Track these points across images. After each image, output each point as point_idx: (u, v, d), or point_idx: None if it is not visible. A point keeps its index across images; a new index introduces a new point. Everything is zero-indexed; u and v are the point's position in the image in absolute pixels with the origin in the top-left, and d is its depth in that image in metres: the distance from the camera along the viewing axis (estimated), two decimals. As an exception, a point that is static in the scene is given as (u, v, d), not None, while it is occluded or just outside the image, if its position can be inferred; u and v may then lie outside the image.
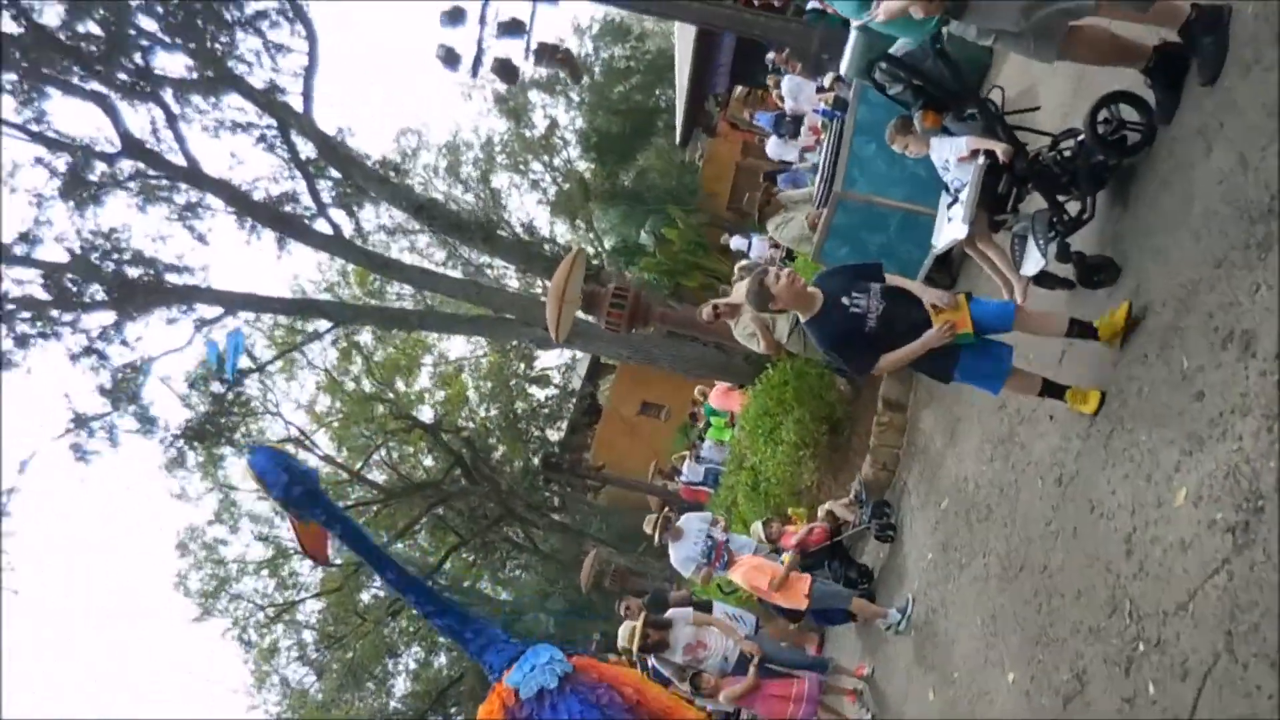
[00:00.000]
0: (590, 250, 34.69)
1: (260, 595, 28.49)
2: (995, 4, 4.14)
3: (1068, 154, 4.92)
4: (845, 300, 4.43)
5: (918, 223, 7.45)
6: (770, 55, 14.87)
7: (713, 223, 25.31)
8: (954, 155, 5.17)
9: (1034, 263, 4.94)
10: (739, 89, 23.12)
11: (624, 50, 35.85)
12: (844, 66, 8.39)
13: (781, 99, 16.76)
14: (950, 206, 5.37)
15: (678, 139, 28.40)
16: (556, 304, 10.43)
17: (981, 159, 5.01)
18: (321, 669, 29.41)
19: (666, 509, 9.94)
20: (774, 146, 16.63)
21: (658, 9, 13.33)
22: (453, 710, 29.62)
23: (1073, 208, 4.89)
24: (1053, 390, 4.67)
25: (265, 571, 28.54)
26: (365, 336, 25.99)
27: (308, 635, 29.61)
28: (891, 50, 5.11)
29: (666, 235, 25.77)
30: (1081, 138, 4.76)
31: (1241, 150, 3.77)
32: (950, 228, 5.36)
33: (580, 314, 10.87)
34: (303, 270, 29.03)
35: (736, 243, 19.20)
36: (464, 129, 35.02)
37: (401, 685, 31.89)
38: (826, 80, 11.91)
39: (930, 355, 4.47)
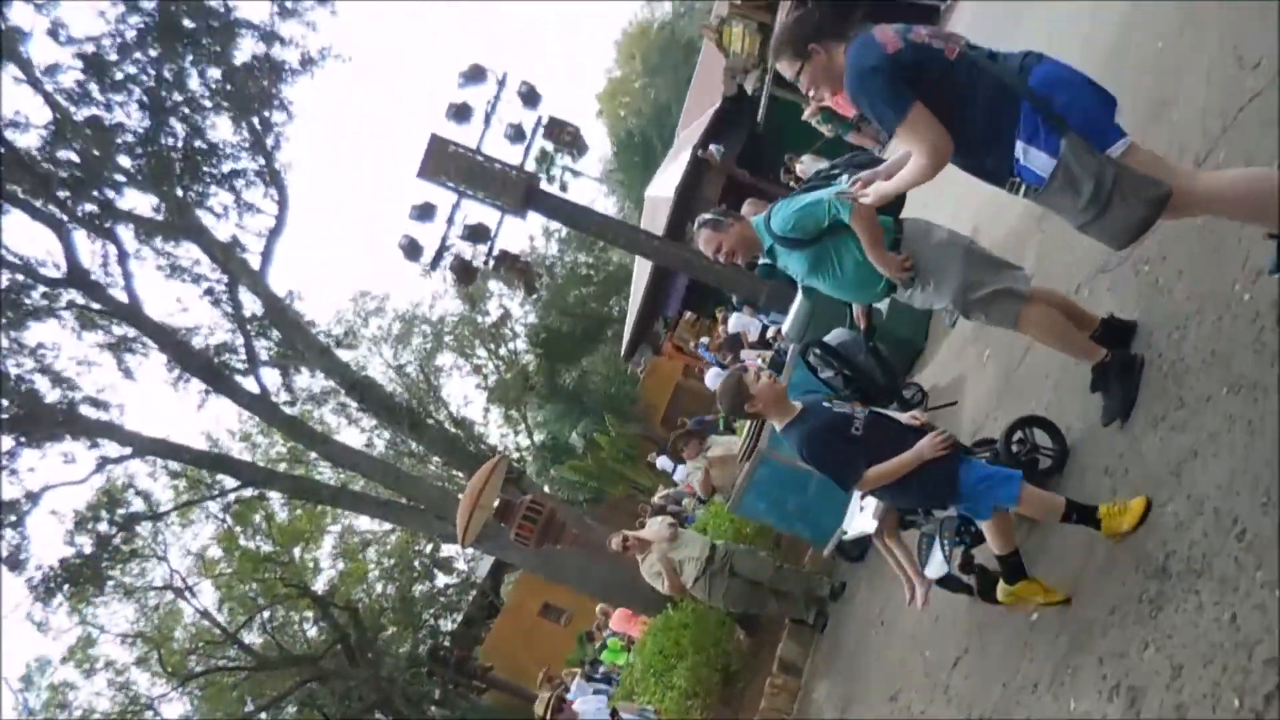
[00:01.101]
0: (521, 442, 34.63)
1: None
2: (941, 281, 4.29)
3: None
4: (828, 404, 4.28)
5: (836, 492, 7.48)
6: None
7: (646, 436, 25.44)
8: (873, 447, 5.23)
9: (937, 567, 4.93)
10: (689, 314, 23.82)
11: (587, 258, 37.03)
12: (786, 326, 8.68)
13: (725, 332, 17.30)
14: (864, 496, 5.41)
15: (624, 350, 28.92)
16: (469, 507, 10.24)
17: (899, 458, 5.08)
18: None
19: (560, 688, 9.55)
20: (712, 378, 16.97)
21: (619, 241, 13.82)
22: None
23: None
24: (1082, 512, 3.99)
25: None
26: (273, 496, 25.18)
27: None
28: (827, 339, 5.27)
29: (598, 440, 25.82)
30: (994, 453, 4.87)
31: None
32: (861, 519, 5.38)
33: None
34: (224, 417, 28.34)
35: (663, 463, 19.22)
36: (419, 305, 35.21)
37: None
38: (770, 332, 12.34)
39: (924, 476, 4.08)
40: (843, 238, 4.41)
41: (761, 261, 4.93)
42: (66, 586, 18.85)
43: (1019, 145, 3.30)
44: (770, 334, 12.23)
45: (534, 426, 36.59)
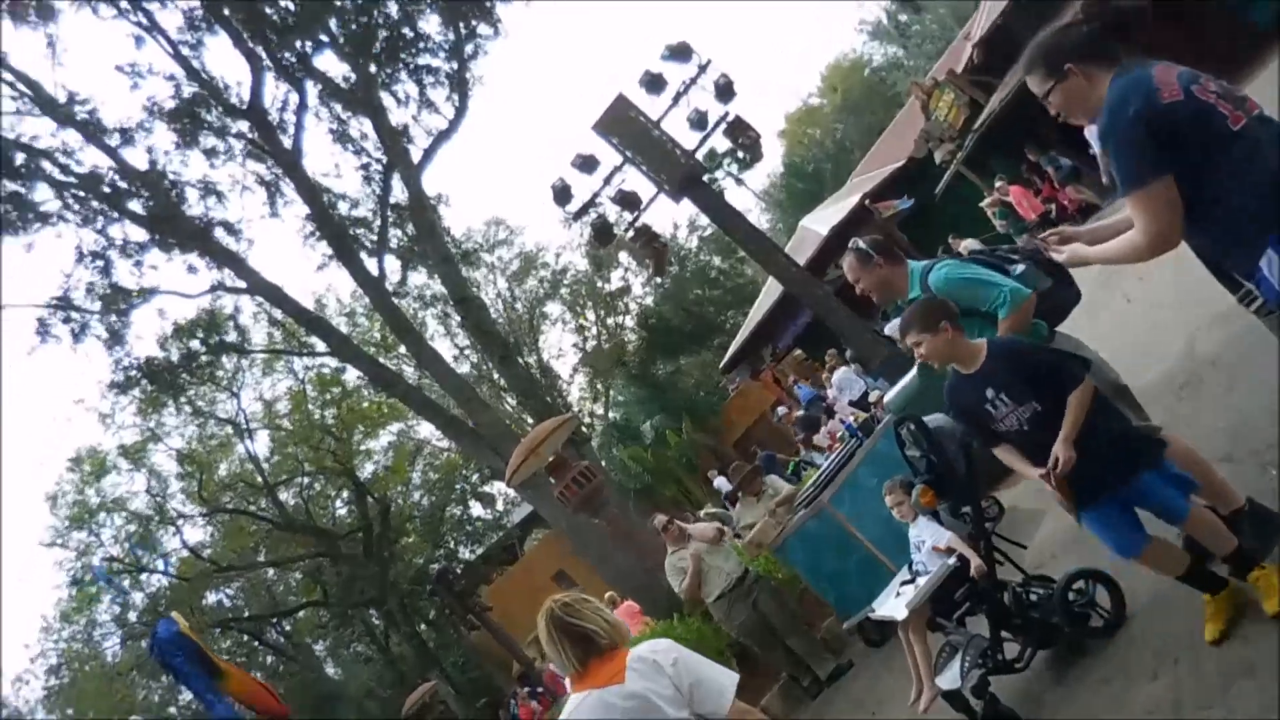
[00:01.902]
0: (595, 411, 34.86)
1: (117, 542, 27.40)
2: None
3: (1032, 598, 4.85)
4: (990, 392, 3.87)
5: (877, 569, 7.34)
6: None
7: (713, 450, 25.34)
8: (931, 541, 5.13)
9: (950, 680, 4.80)
10: (799, 351, 23.62)
11: (722, 263, 36.95)
12: (890, 395, 8.51)
13: (829, 382, 17.11)
14: (904, 584, 5.29)
15: (724, 363, 28.83)
16: (526, 450, 10.36)
17: (953, 560, 4.96)
18: (130, 638, 27.95)
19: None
20: (804, 421, 16.85)
21: (759, 257, 13.73)
22: None
23: (1011, 649, 4.78)
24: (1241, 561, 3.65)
25: (135, 525, 27.54)
26: (352, 374, 25.87)
27: (138, 598, 28.32)
28: (926, 419, 5.14)
29: (668, 437, 25.83)
30: (1050, 592, 4.71)
31: (1179, 696, 3.67)
32: (894, 604, 5.26)
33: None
34: (338, 287, 29.15)
35: (721, 483, 19.18)
36: (548, 248, 35.61)
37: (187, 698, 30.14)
38: (872, 396, 12.15)
39: (1097, 457, 3.67)
40: (989, 328, 4.29)
41: (888, 330, 4.82)
42: (145, 383, 19.70)
43: (1270, 253, 2.78)
44: (872, 398, 12.04)
45: (612, 402, 36.79)
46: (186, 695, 29.49)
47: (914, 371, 8.00)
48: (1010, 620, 4.79)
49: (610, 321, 36.31)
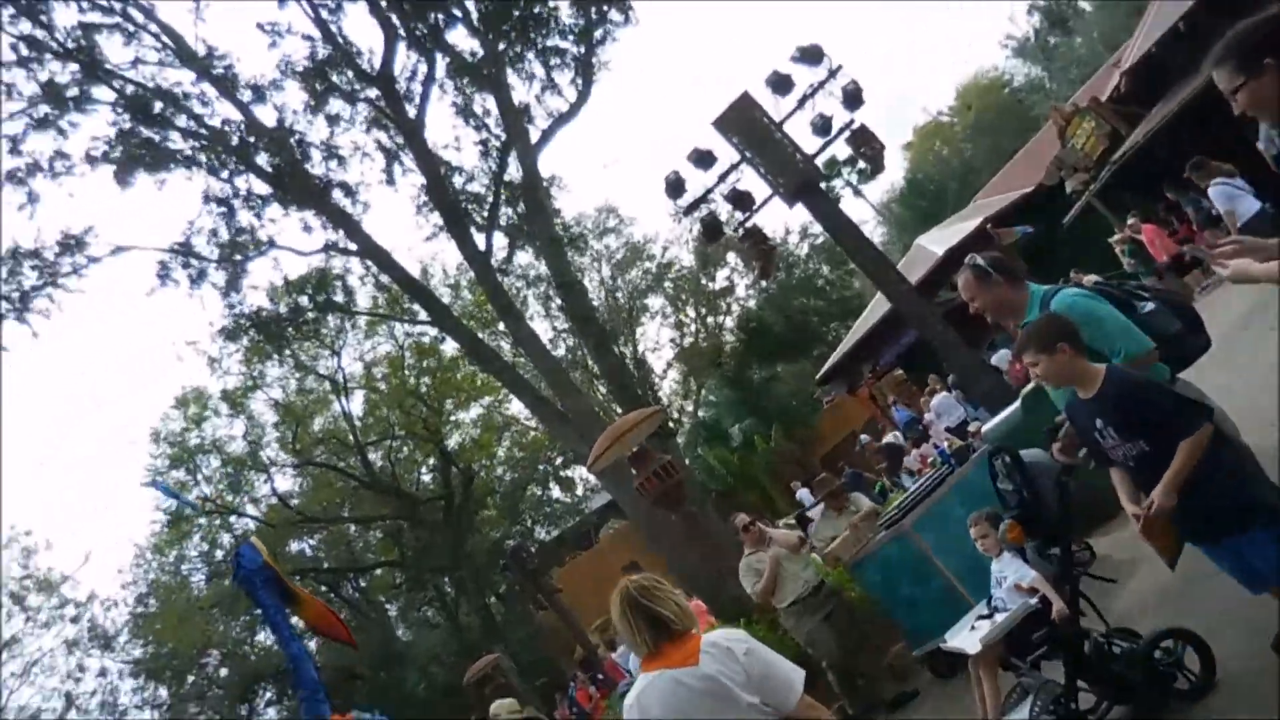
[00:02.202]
0: (684, 408, 34.87)
1: (211, 483, 28.49)
2: None
3: (1115, 650, 4.67)
4: (1099, 422, 3.71)
5: (954, 600, 7.18)
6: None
7: (800, 462, 25.12)
8: (1014, 578, 4.98)
9: (1017, 723, 4.66)
10: (899, 371, 23.22)
11: (830, 273, 36.54)
12: (989, 426, 8.29)
13: (927, 406, 16.79)
14: (980, 619, 5.15)
15: (820, 374, 28.51)
16: (611, 438, 10.41)
17: (1035, 600, 4.81)
18: (215, 575, 29.11)
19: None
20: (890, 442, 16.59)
21: (869, 270, 13.50)
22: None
23: (1086, 701, 4.61)
24: None
25: (230, 467, 28.59)
26: (450, 345, 26.36)
27: (226, 540, 29.42)
28: (1023, 452, 4.99)
29: (755, 442, 25.70)
30: (1134, 647, 4.53)
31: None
32: (967, 637, 5.13)
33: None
34: (444, 258, 29.67)
35: (804, 495, 19.00)
36: (655, 240, 35.64)
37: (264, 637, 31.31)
38: (971, 425, 11.89)
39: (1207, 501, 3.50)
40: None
41: (995, 359, 4.63)
42: (253, 333, 20.43)
43: None
44: (971, 428, 11.78)
45: (703, 401, 36.75)
46: (261, 636, 30.62)
47: (1017, 404, 7.78)
48: (1088, 671, 4.62)
49: (710, 320, 36.25)
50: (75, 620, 28.59)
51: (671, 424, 28.10)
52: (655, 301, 36.03)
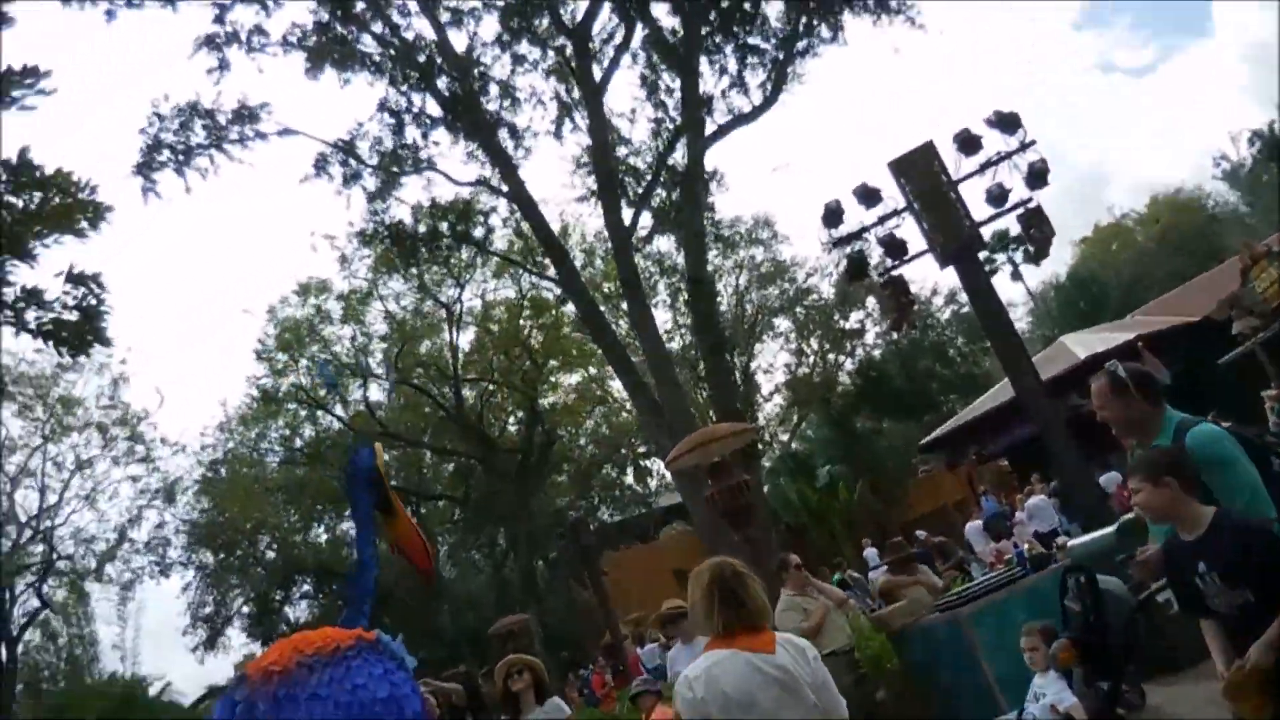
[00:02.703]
0: (777, 435, 34.67)
1: (309, 374, 29.46)
2: None
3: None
4: (1202, 566, 3.57)
5: (989, 702, 7.09)
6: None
7: (879, 520, 24.80)
8: (1053, 699, 4.90)
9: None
10: (1004, 462, 22.70)
11: (964, 345, 35.77)
12: (1075, 543, 8.07)
13: (1021, 505, 16.39)
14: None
15: (924, 442, 28.01)
16: (696, 443, 10.50)
17: (1067, 728, 4.72)
18: (286, 462, 30.25)
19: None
20: (973, 530, 16.31)
21: (1002, 354, 13.18)
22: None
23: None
24: None
25: (331, 367, 29.52)
26: (568, 308, 26.70)
27: (308, 432, 30.51)
28: (1101, 577, 4.90)
29: (840, 487, 25.47)
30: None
31: None
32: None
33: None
34: (586, 222, 29.89)
35: (870, 554, 18.81)
36: (796, 261, 35.16)
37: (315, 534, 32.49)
38: (1060, 538, 11.58)
39: None
40: None
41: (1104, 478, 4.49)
42: (388, 243, 21.12)
43: None
44: (1059, 540, 11.46)
45: (799, 434, 36.45)
46: (315, 532, 31.76)
47: (1113, 529, 7.56)
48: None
49: (830, 357, 35.84)
50: (146, 462, 29.95)
51: (760, 446, 27.97)
52: (782, 324, 35.76)
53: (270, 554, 31.18)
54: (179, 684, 32.12)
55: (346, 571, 29.83)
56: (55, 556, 29.65)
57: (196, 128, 18.60)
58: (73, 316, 7.49)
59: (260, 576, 30.84)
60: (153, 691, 29.20)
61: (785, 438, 36.84)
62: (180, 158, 18.41)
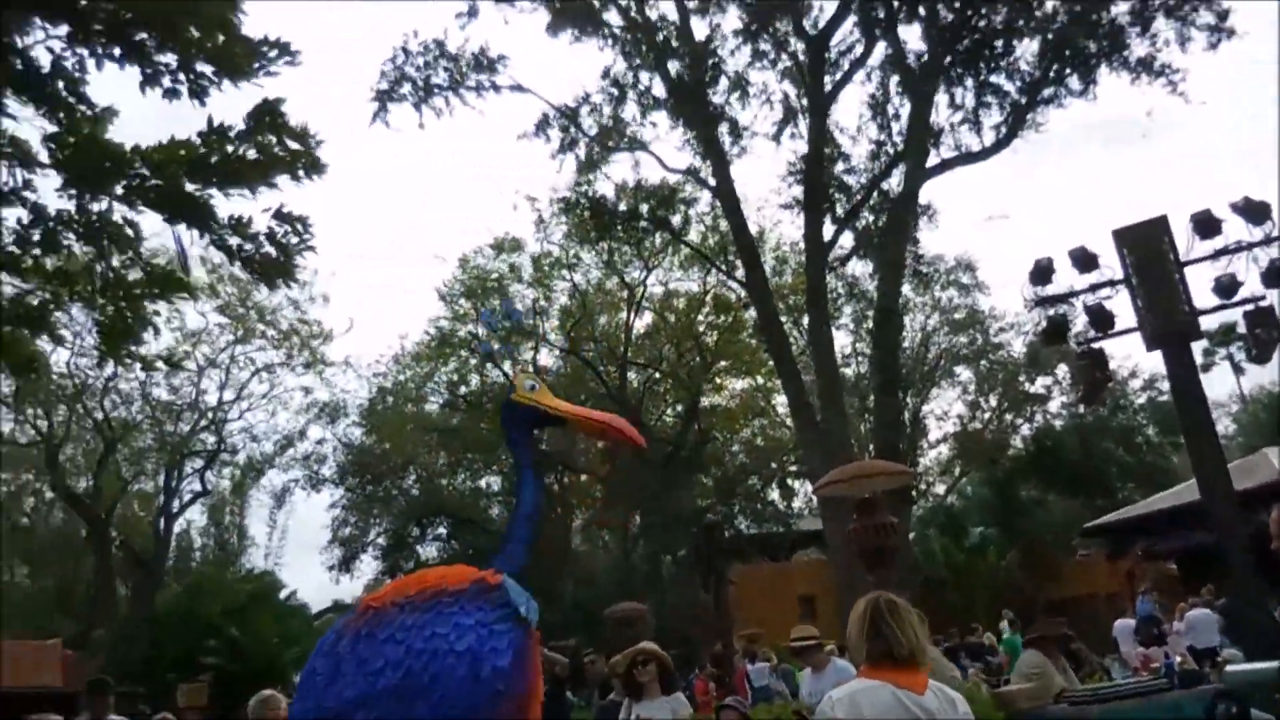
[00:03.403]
0: (934, 488, 33.80)
1: (486, 325, 30.39)
2: None
3: None
4: None
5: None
6: None
7: (1023, 593, 23.91)
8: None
9: None
10: (1172, 565, 21.57)
11: (1154, 435, 33.94)
12: (1237, 669, 7.66)
13: (1180, 614, 15.52)
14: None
15: (1088, 525, 26.78)
16: (850, 475, 10.41)
17: None
18: (448, 406, 31.46)
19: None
20: (1122, 629, 15.66)
21: (1195, 453, 12.46)
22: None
23: None
24: None
25: (508, 322, 30.39)
26: (749, 314, 26.71)
27: (474, 381, 31.61)
28: (1255, 714, 4.65)
29: (989, 552, 24.74)
30: None
31: None
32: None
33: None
34: (784, 231, 29.68)
35: (1006, 627, 18.28)
36: (997, 317, 33.97)
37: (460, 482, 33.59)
38: (1221, 654, 10.96)
39: None
40: None
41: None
42: (586, 215, 21.68)
43: None
44: (1220, 656, 10.83)
45: (958, 489, 35.40)
46: (460, 479, 32.95)
47: (1277, 664, 7.13)
48: None
49: (1007, 417, 34.60)
50: (321, 379, 31.61)
51: (915, 493, 27.35)
52: (964, 373, 34.73)
53: (414, 491, 32.49)
54: (309, 595, 33.99)
55: (480, 521, 30.96)
56: (223, 448, 31.80)
57: (440, 69, 19.55)
58: (273, 251, 8.05)
59: (401, 510, 32.22)
60: (283, 595, 30.94)
61: (942, 490, 35.86)
62: (420, 94, 19.41)
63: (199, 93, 7.63)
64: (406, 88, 19.41)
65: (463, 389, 31.60)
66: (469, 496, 33.31)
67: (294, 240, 8.27)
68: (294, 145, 7.73)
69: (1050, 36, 18.50)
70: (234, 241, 8.02)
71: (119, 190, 7.68)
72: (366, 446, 31.83)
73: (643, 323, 30.57)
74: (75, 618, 31.23)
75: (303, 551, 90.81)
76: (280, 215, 8.16)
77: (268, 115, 7.61)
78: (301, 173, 7.74)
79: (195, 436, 31.23)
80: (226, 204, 8.00)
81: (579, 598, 29.74)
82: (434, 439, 31.54)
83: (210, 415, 31.14)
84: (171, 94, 7.60)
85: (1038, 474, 31.80)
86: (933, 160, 19.06)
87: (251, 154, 7.71)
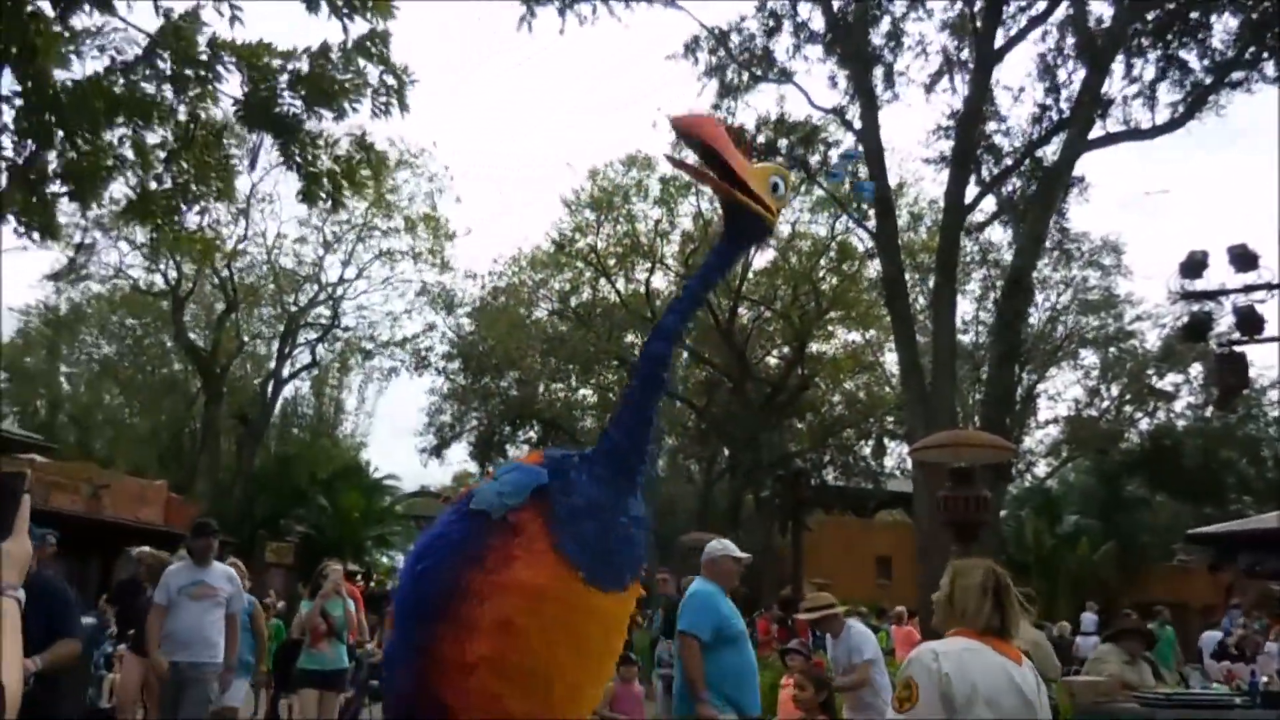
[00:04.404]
0: (1035, 468, 33.16)
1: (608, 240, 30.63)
2: None
3: None
4: None
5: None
6: None
7: (1107, 590, 23.55)
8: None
9: None
10: (1276, 585, 20.96)
11: (1281, 451, 32.61)
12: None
13: (1277, 636, 15.15)
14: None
15: (1192, 531, 26.08)
16: (951, 441, 10.44)
17: None
18: (556, 314, 31.98)
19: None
20: (1208, 640, 15.48)
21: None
22: None
23: None
24: None
25: (627, 241, 30.51)
26: (872, 268, 26.31)
27: (586, 294, 31.99)
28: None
29: (1082, 543, 24.35)
30: None
31: None
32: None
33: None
34: (926, 186, 28.92)
35: (1088, 619, 18.33)
36: (1136, 303, 32.67)
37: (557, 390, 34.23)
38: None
39: None
40: None
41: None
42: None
43: None
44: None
45: (1060, 473, 34.82)
46: (557, 387, 33.53)
47: None
48: None
49: (1127, 409, 33.58)
50: (440, 268, 32.27)
51: (1015, 470, 26.93)
52: (1088, 357, 33.68)
53: (512, 392, 33.21)
54: (397, 471, 35.02)
55: (570, 431, 31.59)
56: (337, 323, 32.96)
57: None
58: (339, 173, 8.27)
59: (497, 407, 33.03)
60: (376, 474, 32.19)
61: (1043, 472, 35.17)
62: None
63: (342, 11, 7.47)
64: (555, -10, 19.33)
65: (573, 300, 31.99)
66: (562, 406, 33.93)
67: (364, 171, 8.50)
68: (389, 80, 7.74)
69: (1255, 15, 17.38)
70: (306, 156, 8.07)
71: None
72: (473, 340, 32.57)
73: (762, 259, 30.36)
74: (178, 464, 33.09)
75: (393, 434, 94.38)
76: (361, 143, 8.36)
77: (374, 41, 7.61)
78: (386, 107, 7.77)
79: (312, 308, 32.40)
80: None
81: (656, 524, 30.25)
82: (538, 344, 32.11)
83: (329, 290, 32.24)
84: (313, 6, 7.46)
85: (1149, 472, 30.96)
86: (1096, 132, 18.23)
87: (345, 77, 7.69)
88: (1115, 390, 33.69)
